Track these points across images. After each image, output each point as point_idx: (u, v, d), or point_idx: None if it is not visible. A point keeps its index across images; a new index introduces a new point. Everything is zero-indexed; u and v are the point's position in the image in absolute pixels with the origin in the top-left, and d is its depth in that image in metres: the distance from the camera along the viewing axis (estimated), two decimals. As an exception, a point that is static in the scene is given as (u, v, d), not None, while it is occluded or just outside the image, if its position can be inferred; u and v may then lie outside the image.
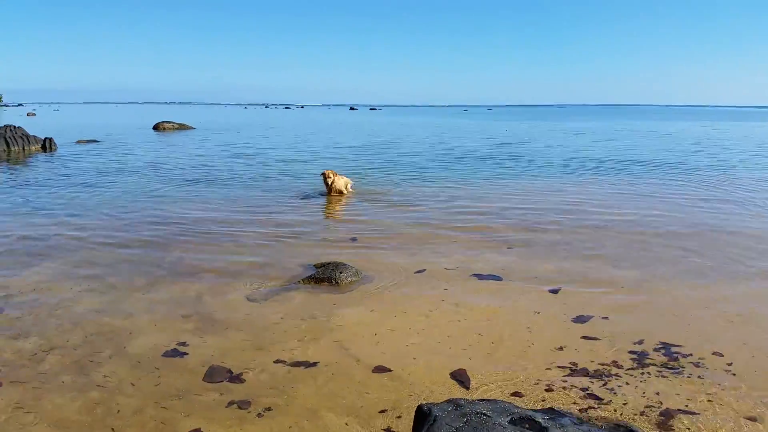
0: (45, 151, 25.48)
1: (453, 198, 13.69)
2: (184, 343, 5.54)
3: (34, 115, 76.85)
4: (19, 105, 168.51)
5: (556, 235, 9.92)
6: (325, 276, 7.30)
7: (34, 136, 26.52)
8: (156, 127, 44.39)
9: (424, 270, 7.86)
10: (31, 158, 22.98)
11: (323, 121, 70.89)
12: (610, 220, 11.18)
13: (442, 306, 6.55)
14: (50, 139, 26.36)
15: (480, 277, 7.69)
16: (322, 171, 14.07)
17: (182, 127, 45.88)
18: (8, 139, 24.88)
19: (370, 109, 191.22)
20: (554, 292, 7.04)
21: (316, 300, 6.72)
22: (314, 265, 7.99)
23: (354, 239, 9.61)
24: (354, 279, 7.36)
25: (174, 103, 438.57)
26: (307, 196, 13.85)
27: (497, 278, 7.63)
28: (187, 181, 16.56)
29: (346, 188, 13.85)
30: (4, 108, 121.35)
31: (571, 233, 10.08)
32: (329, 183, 13.59)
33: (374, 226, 10.56)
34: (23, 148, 25.32)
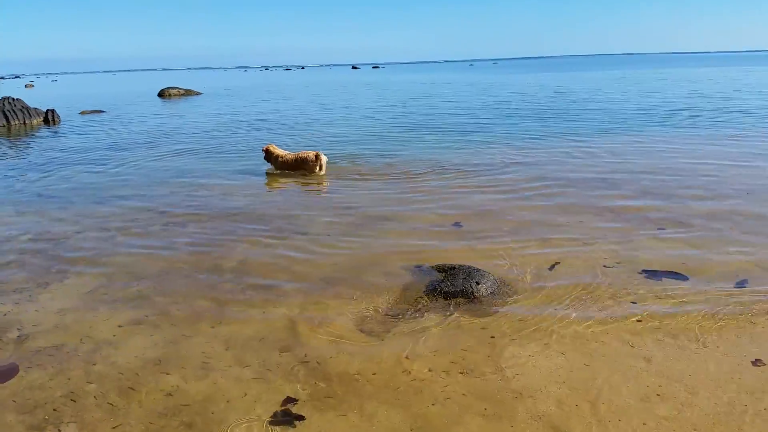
0: (48, 125, 23.30)
1: (542, 163, 11.49)
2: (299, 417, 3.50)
3: (33, 86, 74.26)
4: (16, 77, 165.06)
5: (717, 207, 7.81)
6: (456, 289, 5.23)
7: (35, 109, 24.32)
8: (161, 94, 41.97)
9: (572, 267, 5.81)
10: (33, 133, 20.81)
11: (333, 81, 67.97)
12: None
13: (651, 335, 4.51)
14: (52, 111, 24.14)
15: (654, 275, 5.61)
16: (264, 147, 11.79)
17: (188, 93, 43.42)
18: (7, 113, 22.68)
19: (373, 67, 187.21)
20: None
21: (460, 332, 4.68)
22: (431, 267, 5.89)
23: (458, 224, 7.50)
24: (494, 290, 5.28)
25: (173, 69, 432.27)
26: (375, 169, 11.65)
27: (682, 277, 5.54)
28: (215, 153, 14.39)
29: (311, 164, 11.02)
30: (2, 81, 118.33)
31: (732, 204, 7.95)
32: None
33: (472, 205, 8.45)
34: (24, 122, 23.14)
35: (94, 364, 4.32)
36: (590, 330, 4.59)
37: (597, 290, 5.32)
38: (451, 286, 5.28)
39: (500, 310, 5.01)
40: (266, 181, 10.85)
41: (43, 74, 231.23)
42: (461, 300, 5.18)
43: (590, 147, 13.22)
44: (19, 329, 4.93)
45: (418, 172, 10.92)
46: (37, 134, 20.38)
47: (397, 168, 11.36)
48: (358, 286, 5.63)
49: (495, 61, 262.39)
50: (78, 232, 7.77)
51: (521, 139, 14.91)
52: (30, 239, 7.54)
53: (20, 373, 4.25)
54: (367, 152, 13.51)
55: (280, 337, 4.67)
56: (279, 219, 8.14)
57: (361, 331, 4.74)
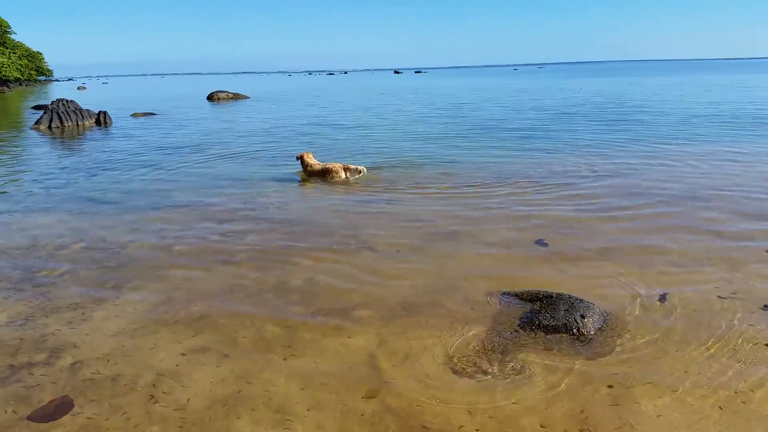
0: (100, 126, 23.40)
1: (622, 173, 10.67)
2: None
3: (85, 88, 76.10)
4: (69, 79, 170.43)
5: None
6: (558, 323, 4.54)
7: (88, 110, 24.49)
8: (210, 98, 42.23)
9: (684, 299, 5.07)
10: (86, 134, 20.88)
11: (379, 86, 67.54)
12: None
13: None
14: (104, 113, 24.27)
15: (782, 312, 4.81)
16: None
17: (237, 96, 43.57)
18: (61, 115, 22.87)
19: (416, 72, 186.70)
20: None
21: (572, 377, 4.01)
22: (521, 294, 5.21)
23: (542, 243, 6.80)
24: (602, 325, 4.57)
25: (219, 73, 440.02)
26: (435, 178, 11.02)
27: (818, 317, 4.73)
28: (268, 158, 13.98)
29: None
30: (56, 83, 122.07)
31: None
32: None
33: (553, 221, 7.74)
34: (77, 124, 23.30)
35: (156, 402, 3.80)
36: (731, 380, 3.85)
37: (720, 328, 4.57)
38: (552, 319, 4.60)
39: (615, 351, 4.31)
40: (322, 188, 10.32)
41: (93, 77, 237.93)
42: (565, 336, 4.50)
43: (672, 156, 12.32)
44: (73, 355, 4.45)
45: (484, 182, 10.25)
46: (90, 136, 20.42)
47: (459, 177, 10.73)
48: (440, 315, 5.00)
49: (540, 65, 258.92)
50: (133, 241, 7.35)
51: (592, 146, 14.09)
52: (84, 248, 7.15)
53: (75, 408, 3.76)
54: (423, 159, 12.92)
55: (360, 376, 4.07)
56: (342, 231, 7.58)
57: (454, 372, 4.11)
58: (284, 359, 4.36)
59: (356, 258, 6.55)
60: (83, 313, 5.22)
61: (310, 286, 5.78)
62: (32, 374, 4.18)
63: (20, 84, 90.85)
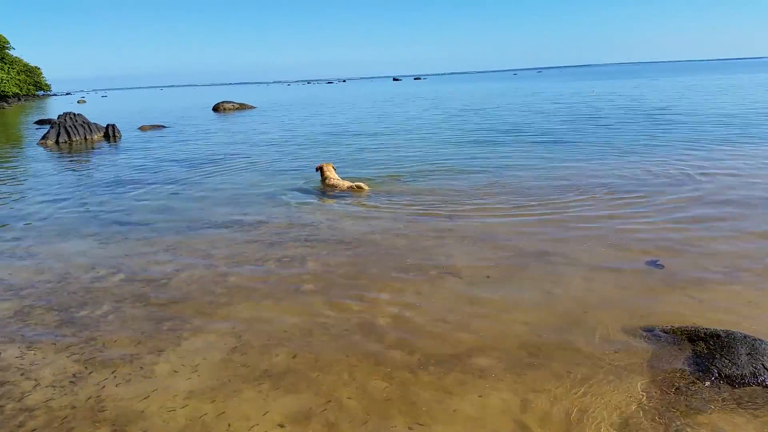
0: (108, 140, 22.49)
1: (693, 179, 9.77)
2: None
3: (85, 102, 75.18)
4: (67, 94, 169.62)
5: None
6: (744, 372, 3.60)
7: (96, 124, 23.60)
8: (216, 108, 41.41)
9: None
10: (95, 149, 20.01)
11: (381, 93, 66.72)
12: None
13: None
14: (113, 126, 23.42)
15: None
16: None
17: (243, 107, 42.74)
18: (69, 129, 21.98)
19: (414, 78, 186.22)
20: None
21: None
22: (671, 332, 4.30)
23: (655, 263, 5.87)
24: (794, 373, 3.64)
25: (217, 84, 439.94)
26: (483, 188, 10.12)
27: None
28: (295, 170, 13.01)
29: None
30: (54, 97, 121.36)
31: None
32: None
33: (654, 235, 6.83)
34: (85, 138, 22.42)
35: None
36: None
37: None
38: (735, 367, 3.69)
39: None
40: (367, 203, 9.38)
41: (91, 91, 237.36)
42: (758, 390, 3.56)
43: (732, 158, 11.40)
44: (143, 429, 3.51)
45: (550, 193, 9.33)
46: (100, 150, 19.54)
47: (516, 188, 9.86)
48: (580, 362, 4.10)
49: (539, 70, 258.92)
50: (178, 271, 6.43)
51: (653, 151, 13.15)
52: (123, 280, 6.23)
53: None
54: (465, 167, 12.04)
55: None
56: (412, 254, 6.67)
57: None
58: (409, 429, 3.42)
59: (442, 287, 5.65)
60: (142, 367, 4.29)
61: (401, 324, 4.87)
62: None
63: (19, 99, 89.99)
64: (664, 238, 6.76)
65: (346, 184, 10.45)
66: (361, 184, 10.36)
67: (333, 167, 11.15)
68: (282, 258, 6.76)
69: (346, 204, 9.37)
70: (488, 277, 5.85)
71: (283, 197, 10.19)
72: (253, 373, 4.18)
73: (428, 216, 8.29)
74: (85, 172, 14.53)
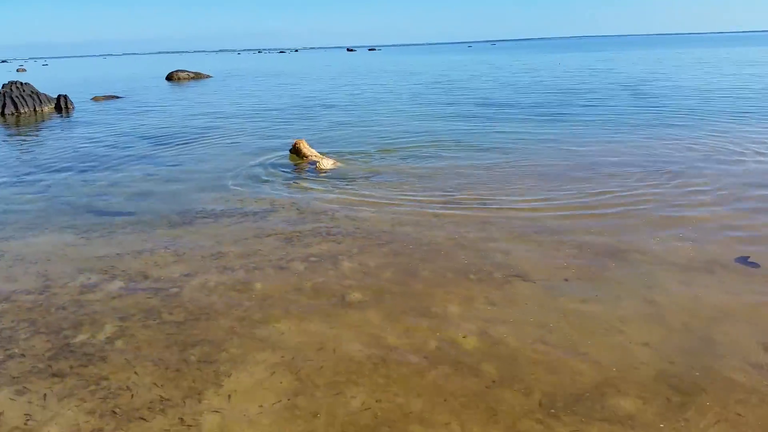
0: (60, 113, 20.60)
1: (721, 159, 9.10)
2: None
3: (25, 70, 70.66)
4: (2, 62, 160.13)
5: None
6: None
7: (46, 95, 21.59)
8: (170, 77, 39.23)
9: None
10: (48, 122, 18.25)
11: (341, 64, 64.86)
12: None
13: None
14: (65, 97, 21.52)
15: None
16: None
17: (198, 75, 40.67)
18: (15, 99, 20.02)
19: (369, 50, 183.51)
20: None
21: None
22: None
23: (748, 261, 5.13)
24: None
25: (162, 52, 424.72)
26: (498, 165, 9.22)
27: None
28: (277, 145, 11.71)
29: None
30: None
31: None
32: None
33: (735, 222, 6.07)
34: (34, 110, 20.50)
35: None
36: None
37: None
38: None
39: None
40: (373, 184, 8.39)
41: (29, 59, 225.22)
42: None
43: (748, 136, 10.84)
44: None
45: (576, 174, 8.56)
46: (53, 124, 17.79)
47: (535, 167, 9.07)
48: (740, 396, 3.30)
49: (492, 42, 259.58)
50: (189, 276, 5.32)
51: (662, 125, 12.51)
52: (122, 289, 5.11)
53: None
54: (467, 143, 11.12)
55: None
56: (459, 250, 5.75)
57: None
58: None
59: (517, 294, 4.74)
60: (182, 420, 3.25)
61: (493, 348, 3.96)
62: None
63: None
64: (741, 226, 6.00)
65: (326, 158, 9.87)
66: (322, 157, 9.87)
67: (306, 142, 10.43)
68: (308, 257, 5.72)
69: (353, 186, 8.34)
70: (566, 280, 4.97)
71: (275, 178, 9.11)
72: (323, 422, 3.18)
73: (456, 204, 7.34)
74: (40, 149, 12.99)
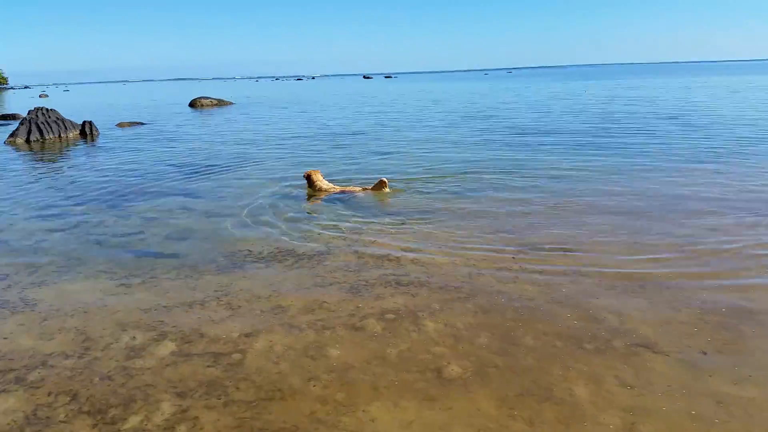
0: (85, 139, 20.16)
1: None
2: None
3: (47, 96, 71.33)
4: (25, 87, 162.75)
5: None
6: None
7: (70, 121, 21.18)
8: (193, 104, 38.98)
9: None
10: (73, 149, 17.79)
11: (357, 91, 64.64)
12: None
13: None
14: (90, 123, 21.13)
15: None
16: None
17: (221, 103, 40.41)
18: (41, 125, 19.62)
19: (386, 77, 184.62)
20: None
21: None
22: None
23: None
24: None
25: (181, 79, 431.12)
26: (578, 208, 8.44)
27: None
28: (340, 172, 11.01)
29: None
30: (12, 91, 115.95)
31: None
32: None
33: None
34: (59, 136, 20.06)
35: None
36: None
37: None
38: None
39: None
40: (436, 223, 7.63)
41: (52, 84, 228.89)
42: None
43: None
44: None
45: (659, 213, 7.78)
46: (79, 150, 17.34)
47: (607, 206, 8.33)
48: None
49: (509, 70, 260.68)
50: (249, 335, 4.57)
51: (728, 158, 11.65)
52: (175, 354, 4.38)
53: None
54: (520, 175, 10.36)
55: None
56: (560, 309, 5.00)
57: None
58: None
59: (650, 372, 3.94)
60: None
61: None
62: None
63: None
64: None
65: (338, 188, 9.69)
66: (383, 180, 9.46)
67: (321, 174, 10.05)
68: (383, 314, 4.94)
69: (410, 225, 7.59)
70: (705, 354, 4.12)
71: (322, 213, 8.36)
72: None
73: (533, 248, 6.54)
74: (67, 178, 12.41)
